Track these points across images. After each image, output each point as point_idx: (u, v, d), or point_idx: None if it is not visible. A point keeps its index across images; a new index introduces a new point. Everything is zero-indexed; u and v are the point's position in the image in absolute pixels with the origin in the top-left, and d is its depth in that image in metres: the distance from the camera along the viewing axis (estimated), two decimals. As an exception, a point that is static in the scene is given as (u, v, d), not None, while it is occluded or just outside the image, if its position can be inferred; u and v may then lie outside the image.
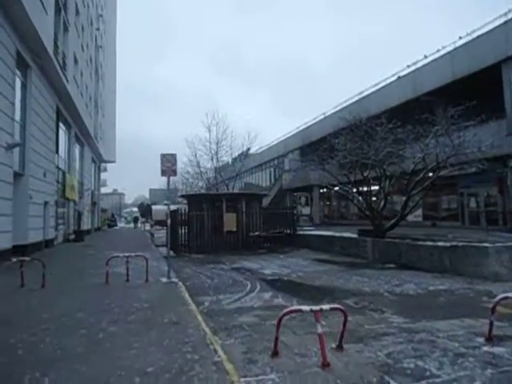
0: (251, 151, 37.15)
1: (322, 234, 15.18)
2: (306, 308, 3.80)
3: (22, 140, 13.45)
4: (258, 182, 47.93)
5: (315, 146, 19.29)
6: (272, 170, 44.56)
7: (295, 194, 35.25)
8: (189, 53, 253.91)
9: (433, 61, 21.44)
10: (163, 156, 7.89)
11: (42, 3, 13.22)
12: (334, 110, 32.14)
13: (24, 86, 13.64)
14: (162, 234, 23.17)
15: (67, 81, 17.73)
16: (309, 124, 36.61)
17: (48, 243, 16.42)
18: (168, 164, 7.89)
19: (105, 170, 45.66)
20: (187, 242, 14.99)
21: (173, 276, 7.96)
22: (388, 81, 25.56)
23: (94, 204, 33.99)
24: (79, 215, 22.83)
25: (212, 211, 15.43)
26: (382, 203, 12.12)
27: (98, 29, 30.28)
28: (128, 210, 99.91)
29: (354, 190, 12.89)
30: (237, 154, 36.05)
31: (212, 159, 31.90)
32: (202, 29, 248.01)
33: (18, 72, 12.82)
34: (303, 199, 33.18)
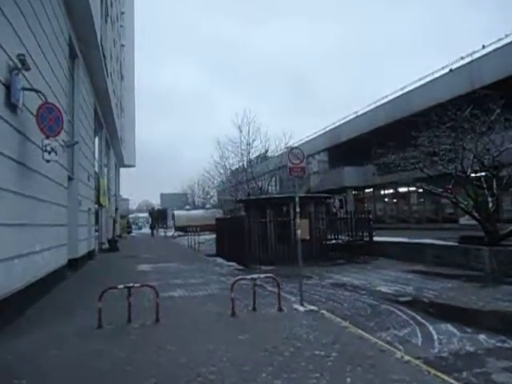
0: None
1: (403, 241, 13.52)
2: None
3: (71, 138, 11.89)
4: (265, 188, 44.90)
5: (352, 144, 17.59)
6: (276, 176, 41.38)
7: (322, 195, 33.35)
8: (184, 57, 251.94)
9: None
10: (290, 151, 6.27)
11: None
12: (368, 108, 30.76)
13: (72, 79, 12.08)
14: (201, 240, 21.46)
15: (107, 75, 16.18)
16: (337, 124, 35.04)
17: (91, 255, 14.82)
18: (296, 161, 6.26)
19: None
20: (251, 252, 13.30)
21: (305, 302, 6.31)
22: (435, 75, 24.05)
23: (116, 210, 32.41)
24: (114, 223, 21.18)
25: (276, 217, 13.82)
26: (492, 204, 10.48)
27: (121, 26, 28.80)
28: (133, 215, 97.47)
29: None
30: (253, 157, 33.52)
31: (242, 160, 30.00)
32: (196, 31, 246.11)
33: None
34: (337, 202, 31.36)
